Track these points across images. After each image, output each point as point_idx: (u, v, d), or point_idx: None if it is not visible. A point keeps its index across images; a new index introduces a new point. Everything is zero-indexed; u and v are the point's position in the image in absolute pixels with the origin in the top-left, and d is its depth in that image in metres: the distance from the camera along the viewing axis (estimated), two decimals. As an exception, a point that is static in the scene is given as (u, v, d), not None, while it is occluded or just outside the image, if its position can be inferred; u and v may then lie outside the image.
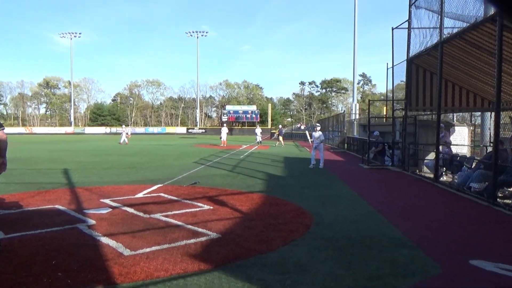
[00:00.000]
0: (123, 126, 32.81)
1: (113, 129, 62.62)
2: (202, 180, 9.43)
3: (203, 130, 66.16)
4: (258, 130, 28.94)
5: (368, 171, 12.60)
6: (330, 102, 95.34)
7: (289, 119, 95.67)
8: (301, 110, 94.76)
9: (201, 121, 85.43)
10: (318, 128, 13.65)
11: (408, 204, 7.13)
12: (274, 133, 29.69)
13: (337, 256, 4.05)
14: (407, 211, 6.42)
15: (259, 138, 28.48)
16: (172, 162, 14.45)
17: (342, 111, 39.05)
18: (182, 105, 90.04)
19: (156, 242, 4.40)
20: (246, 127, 68.03)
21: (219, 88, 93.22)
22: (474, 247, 4.49)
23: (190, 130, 66.51)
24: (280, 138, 28.64)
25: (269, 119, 66.36)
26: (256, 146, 26.13)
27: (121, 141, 27.93)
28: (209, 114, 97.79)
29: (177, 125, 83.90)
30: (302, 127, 50.15)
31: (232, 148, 24.05)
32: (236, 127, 69.25)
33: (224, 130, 26.86)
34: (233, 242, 4.44)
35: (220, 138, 26.67)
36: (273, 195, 7.61)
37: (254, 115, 65.82)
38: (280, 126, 33.07)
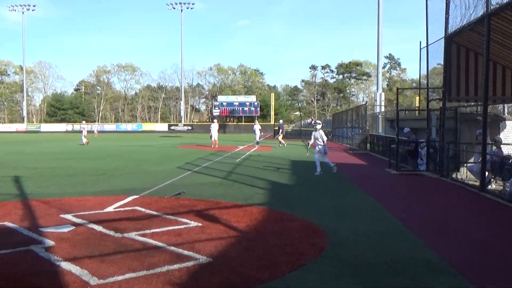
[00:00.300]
0: (83, 122, 33.11)
1: (76, 126, 62.65)
2: (188, 190, 9.44)
3: (189, 127, 66.21)
4: (257, 126, 28.87)
5: (396, 178, 12.62)
6: (348, 91, 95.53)
7: (297, 113, 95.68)
8: (312, 101, 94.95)
9: (187, 115, 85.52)
10: (319, 126, 13.08)
11: (447, 219, 7.13)
12: (280, 129, 29.00)
13: (358, 285, 4.05)
14: (445, 228, 6.43)
15: (257, 137, 28.34)
16: (150, 168, 14.46)
17: (363, 103, 39.13)
18: (163, 95, 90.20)
19: (131, 268, 4.40)
20: (243, 122, 68.10)
21: (209, 74, 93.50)
22: (531, 272, 4.48)
23: (172, 127, 66.53)
24: (279, 136, 28.19)
25: (272, 112, 66.45)
26: (256, 147, 26.14)
27: (83, 141, 28.47)
28: (197, 106, 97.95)
29: (157, 121, 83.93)
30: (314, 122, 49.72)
31: (226, 149, 24.07)
32: (230, 123, 69.37)
33: (215, 126, 26.88)
34: (227, 268, 4.44)
35: (211, 137, 26.70)
36: (278, 209, 7.61)
37: (253, 108, 65.95)
38: (281, 121, 32.60)
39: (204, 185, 10.49)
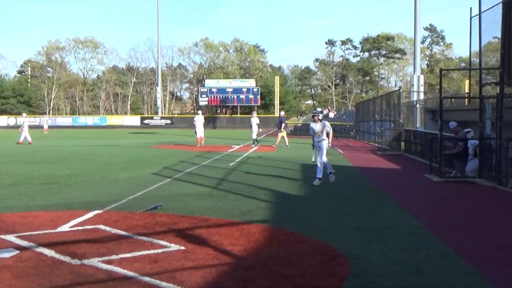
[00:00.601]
0: (24, 114, 33.48)
1: (20, 119, 62.65)
2: (167, 203, 9.44)
3: (168, 121, 66.28)
4: (255, 120, 28.73)
5: (440, 187, 12.62)
6: (376, 74, 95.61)
7: (309, 102, 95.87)
8: (328, 87, 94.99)
9: (165, 105, 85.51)
10: (320, 115, 12.83)
11: (507, 241, 7.13)
12: (282, 124, 28.53)
13: (391, 327, 4.04)
14: (506, 254, 6.42)
15: (254, 134, 28.15)
16: (117, 174, 14.48)
17: (396, 88, 39.14)
18: (134, 79, 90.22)
19: (92, 306, 4.39)
20: (238, 115, 68.23)
21: (194, 52, 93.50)
22: None
23: (146, 121, 66.61)
24: (279, 134, 27.73)
25: (277, 101, 66.53)
26: (255, 147, 26.13)
27: (22, 137, 28.98)
28: (178, 94, 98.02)
29: (126, 113, 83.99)
30: (332, 115, 49.31)
31: (216, 150, 24.08)
32: (221, 116, 69.42)
33: (200, 120, 26.79)
34: (219, 305, 4.44)
35: (195, 133, 26.66)
36: (284, 227, 7.62)
37: (251, 95, 66.09)
38: (282, 112, 32.43)
39: (187, 196, 10.49)
